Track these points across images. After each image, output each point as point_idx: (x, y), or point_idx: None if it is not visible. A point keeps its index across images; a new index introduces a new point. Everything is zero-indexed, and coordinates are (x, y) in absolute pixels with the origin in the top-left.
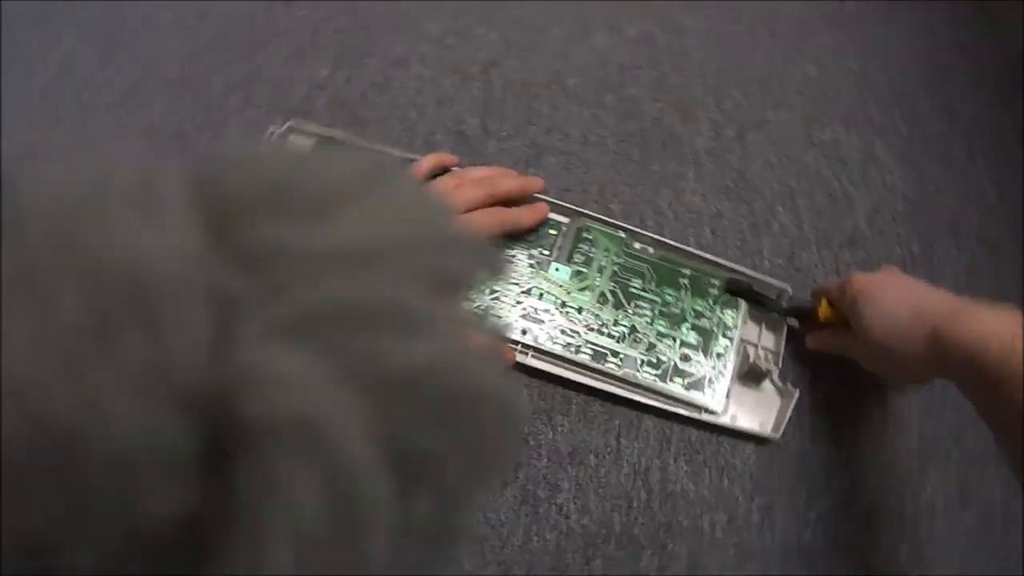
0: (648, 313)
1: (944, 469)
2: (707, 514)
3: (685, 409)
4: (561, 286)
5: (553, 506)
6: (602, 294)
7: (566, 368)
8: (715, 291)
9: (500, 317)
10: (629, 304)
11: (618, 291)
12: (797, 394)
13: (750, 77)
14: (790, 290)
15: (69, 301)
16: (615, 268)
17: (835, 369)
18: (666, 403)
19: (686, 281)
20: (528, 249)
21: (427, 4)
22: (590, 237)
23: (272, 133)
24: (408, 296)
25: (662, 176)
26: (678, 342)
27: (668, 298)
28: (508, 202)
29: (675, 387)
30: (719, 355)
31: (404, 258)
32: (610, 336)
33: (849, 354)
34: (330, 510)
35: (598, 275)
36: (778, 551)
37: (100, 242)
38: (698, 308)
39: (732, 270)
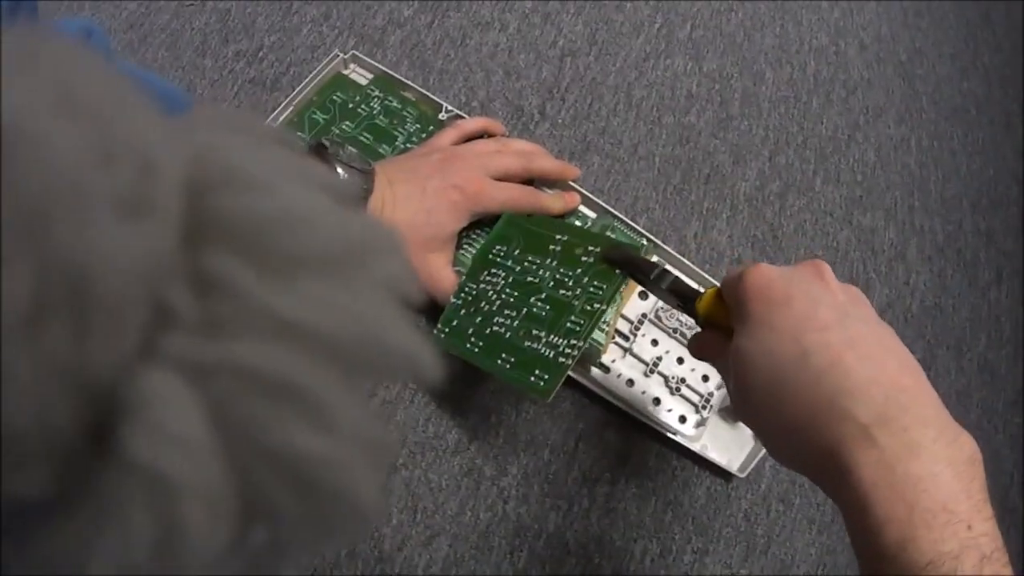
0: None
1: None
2: (642, 540)
3: (658, 426)
4: None
5: (495, 487)
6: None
7: None
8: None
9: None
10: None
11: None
12: None
13: (811, 143)
14: (667, 265)
15: (19, 275)
16: None
17: None
18: (639, 415)
19: (557, 248)
20: None
21: None
22: (612, 236)
23: (336, 56)
24: (327, 389)
25: (697, 207)
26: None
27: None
28: (542, 183)
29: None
30: (569, 331)
31: (341, 353)
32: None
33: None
34: (154, 554)
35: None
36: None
37: (69, 233)
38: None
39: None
